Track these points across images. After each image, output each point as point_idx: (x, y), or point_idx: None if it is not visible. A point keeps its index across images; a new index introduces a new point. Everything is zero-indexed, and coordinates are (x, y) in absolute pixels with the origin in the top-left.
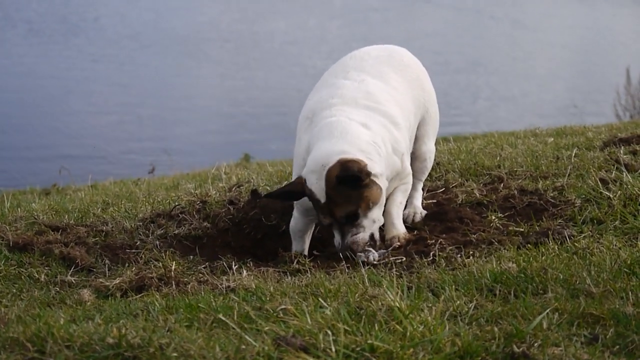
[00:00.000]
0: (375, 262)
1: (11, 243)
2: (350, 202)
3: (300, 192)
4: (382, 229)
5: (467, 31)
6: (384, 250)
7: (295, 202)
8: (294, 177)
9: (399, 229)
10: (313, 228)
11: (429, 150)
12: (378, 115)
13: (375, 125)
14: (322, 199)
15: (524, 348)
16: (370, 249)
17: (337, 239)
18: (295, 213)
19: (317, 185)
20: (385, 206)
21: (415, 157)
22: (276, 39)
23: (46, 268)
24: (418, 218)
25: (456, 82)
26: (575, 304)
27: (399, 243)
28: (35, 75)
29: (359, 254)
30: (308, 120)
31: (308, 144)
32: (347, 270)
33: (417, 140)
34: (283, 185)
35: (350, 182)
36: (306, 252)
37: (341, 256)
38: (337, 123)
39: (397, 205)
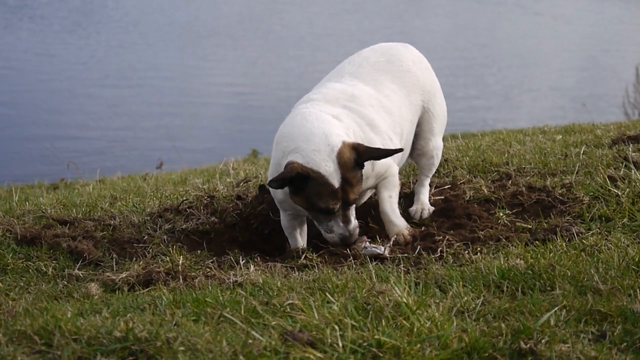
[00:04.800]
0: (387, 256)
1: (19, 237)
2: (359, 183)
3: (300, 177)
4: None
5: (477, 25)
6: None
7: (273, 197)
8: (271, 171)
9: (400, 225)
10: (305, 223)
11: (436, 147)
12: (354, 115)
13: (347, 120)
14: (337, 183)
15: (531, 344)
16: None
17: (339, 228)
18: (280, 210)
19: (328, 169)
20: (379, 206)
21: (422, 153)
22: (286, 34)
23: (54, 262)
24: (426, 214)
25: (460, 78)
26: (583, 301)
27: (404, 239)
28: (44, 69)
29: (372, 247)
30: (289, 114)
31: (281, 133)
32: (354, 265)
33: (422, 137)
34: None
35: (362, 164)
36: (303, 248)
37: (342, 245)
38: (308, 114)
39: (388, 201)
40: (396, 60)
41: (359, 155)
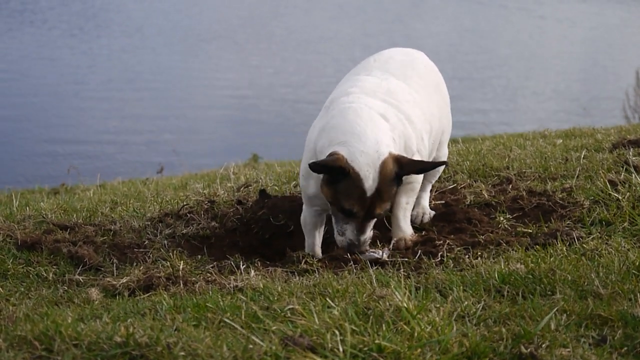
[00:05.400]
0: (386, 260)
1: (19, 242)
2: (390, 200)
3: (341, 170)
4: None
5: (480, 28)
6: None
7: (302, 191)
8: (303, 165)
9: (406, 231)
10: (324, 222)
11: (444, 154)
12: (395, 110)
13: (393, 118)
14: (369, 192)
15: (531, 349)
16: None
17: (351, 234)
18: (304, 205)
19: (368, 174)
20: (392, 209)
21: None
22: (286, 39)
23: (54, 267)
24: (426, 219)
25: (462, 81)
26: (584, 306)
27: (405, 245)
28: (45, 73)
29: (371, 252)
30: (325, 109)
31: (321, 129)
32: (355, 270)
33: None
34: (325, 158)
35: (401, 178)
36: (318, 246)
37: (348, 251)
38: (360, 110)
39: (403, 207)
40: (419, 62)
41: (401, 168)
